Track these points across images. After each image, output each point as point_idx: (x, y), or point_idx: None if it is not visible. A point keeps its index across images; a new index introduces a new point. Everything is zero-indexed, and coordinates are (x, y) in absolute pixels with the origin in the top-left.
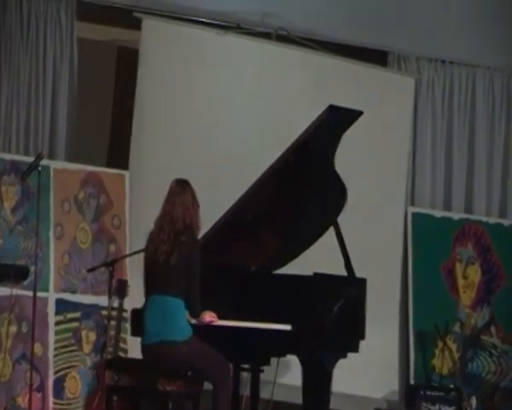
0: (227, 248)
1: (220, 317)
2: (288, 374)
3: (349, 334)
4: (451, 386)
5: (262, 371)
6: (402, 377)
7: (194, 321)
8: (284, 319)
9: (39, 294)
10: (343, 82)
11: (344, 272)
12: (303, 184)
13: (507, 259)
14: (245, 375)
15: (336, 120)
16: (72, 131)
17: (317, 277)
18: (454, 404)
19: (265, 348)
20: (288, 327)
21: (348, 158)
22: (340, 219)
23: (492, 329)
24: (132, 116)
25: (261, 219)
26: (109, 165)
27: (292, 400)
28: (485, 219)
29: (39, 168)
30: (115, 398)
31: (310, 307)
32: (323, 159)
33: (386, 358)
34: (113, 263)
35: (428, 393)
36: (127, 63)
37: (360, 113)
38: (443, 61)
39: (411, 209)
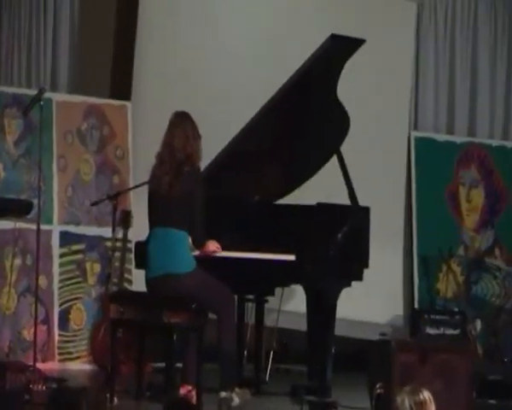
0: (230, 179)
1: (224, 248)
2: (293, 302)
3: (353, 262)
4: (456, 310)
5: (266, 301)
6: (406, 302)
7: (197, 252)
8: (288, 249)
9: (43, 227)
10: (345, 8)
11: (347, 201)
12: (305, 113)
13: (510, 181)
14: (250, 305)
15: (338, 49)
16: (74, 62)
17: (321, 206)
18: (458, 327)
19: (269, 279)
20: (292, 257)
21: (351, 85)
22: (343, 147)
23: (496, 251)
24: (134, 46)
25: (264, 150)
26: (112, 96)
27: (297, 327)
28: (488, 141)
29: (41, 103)
30: (120, 331)
31: (313, 236)
32: (326, 87)
33: (391, 283)
34: (116, 196)
35: (433, 317)
36: None
37: (362, 41)
38: None
39: (414, 134)
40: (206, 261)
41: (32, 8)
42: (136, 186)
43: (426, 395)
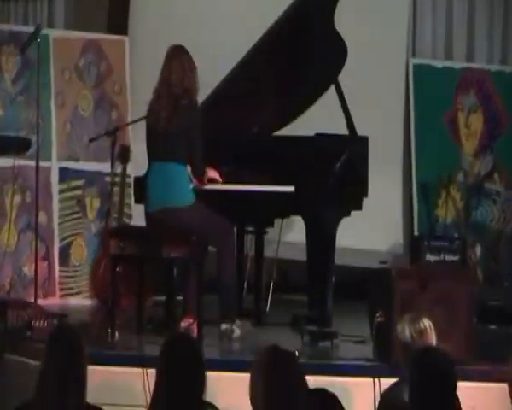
0: (227, 112)
1: (223, 180)
2: (292, 232)
3: (352, 192)
4: (455, 235)
5: (266, 232)
6: (406, 229)
7: (195, 184)
8: (287, 180)
9: (42, 163)
10: None
11: (346, 131)
12: (303, 44)
13: (509, 105)
14: (249, 236)
15: None
16: None
17: (319, 137)
18: (458, 253)
19: (269, 210)
20: (290, 188)
21: (347, 13)
22: (341, 76)
23: (496, 176)
24: None
25: (262, 82)
26: (109, 31)
27: (296, 257)
28: (486, 66)
29: (38, 40)
30: (120, 265)
31: (312, 166)
32: (322, 17)
33: (390, 211)
34: (114, 132)
35: (432, 243)
36: None
37: None
38: None
39: (413, 61)
40: (205, 195)
41: None
42: (134, 121)
43: (426, 322)
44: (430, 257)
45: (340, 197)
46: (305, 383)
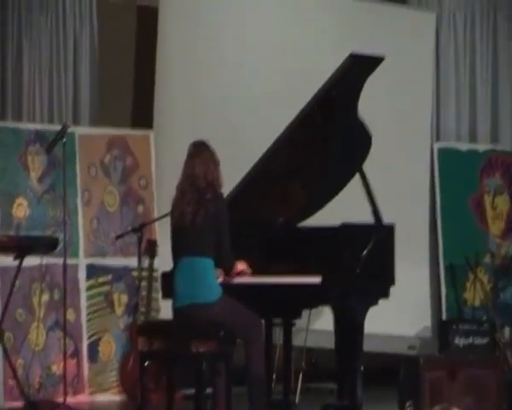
0: (253, 203)
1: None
2: (320, 320)
3: (379, 281)
4: (484, 318)
5: (294, 324)
6: (434, 313)
7: (222, 279)
8: (314, 272)
9: (69, 260)
10: (364, 22)
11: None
12: (328, 134)
13: None
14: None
15: (358, 68)
16: (95, 94)
17: (345, 227)
18: (487, 336)
19: (296, 302)
20: (317, 279)
21: (372, 98)
22: (366, 161)
23: None
24: (155, 75)
25: (286, 172)
26: (134, 125)
27: (325, 345)
28: (511, 148)
29: (64, 140)
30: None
31: (339, 257)
32: (347, 107)
33: (418, 295)
34: (141, 228)
35: (461, 327)
36: (147, 22)
37: (381, 59)
38: None
39: (437, 145)
40: (232, 288)
41: (53, 44)
42: (160, 217)
43: None
44: (459, 341)
45: (367, 287)
46: None
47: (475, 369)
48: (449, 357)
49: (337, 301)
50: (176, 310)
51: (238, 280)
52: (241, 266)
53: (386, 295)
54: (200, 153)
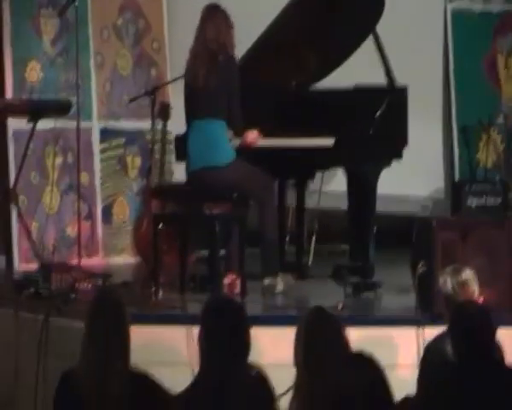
0: (266, 66)
1: (262, 135)
2: (334, 182)
3: (392, 142)
4: (497, 178)
5: (307, 185)
6: (447, 173)
7: (236, 142)
8: (327, 134)
9: (83, 124)
10: None
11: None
12: None
13: None
14: (290, 189)
15: None
16: None
17: (358, 89)
18: (500, 196)
19: (309, 164)
20: (331, 141)
21: None
22: (379, 25)
23: None
24: None
25: (299, 34)
26: None
27: (338, 206)
28: None
29: (76, 3)
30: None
31: (352, 118)
32: None
33: (431, 156)
34: (154, 91)
35: (474, 187)
36: None
37: None
38: None
39: (450, 6)
40: (245, 150)
41: None
42: (173, 80)
43: (468, 273)
44: (472, 201)
45: (381, 148)
46: (347, 345)
47: (487, 230)
48: (461, 218)
49: (350, 163)
50: (189, 173)
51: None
52: (251, 135)
53: (399, 156)
54: (213, 16)
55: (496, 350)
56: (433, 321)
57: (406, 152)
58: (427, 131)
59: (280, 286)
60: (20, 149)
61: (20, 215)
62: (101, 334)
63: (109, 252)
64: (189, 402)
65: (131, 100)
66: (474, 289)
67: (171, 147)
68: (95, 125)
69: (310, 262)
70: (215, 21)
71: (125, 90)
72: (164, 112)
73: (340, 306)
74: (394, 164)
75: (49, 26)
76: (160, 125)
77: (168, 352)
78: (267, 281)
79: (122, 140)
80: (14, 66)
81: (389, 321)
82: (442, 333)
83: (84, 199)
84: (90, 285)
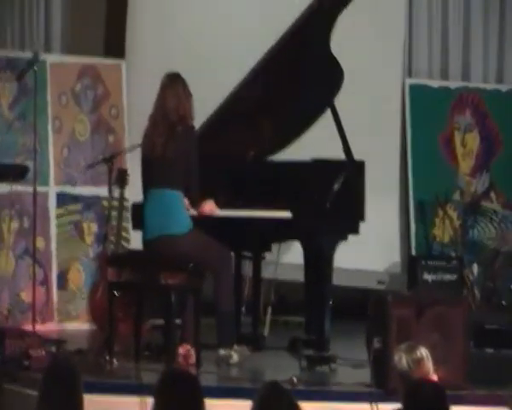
0: (224, 136)
1: (219, 206)
2: (290, 253)
3: (348, 216)
4: (452, 255)
5: (264, 257)
6: (403, 248)
7: (193, 212)
8: (284, 206)
9: (39, 188)
10: None
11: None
12: (299, 68)
13: (505, 125)
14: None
15: (331, 2)
16: (67, 22)
17: (315, 162)
18: (455, 272)
19: (266, 236)
20: (288, 214)
21: (343, 34)
22: (337, 97)
23: (492, 195)
24: (128, 3)
25: (258, 106)
26: (107, 54)
27: (294, 278)
28: (482, 85)
29: (35, 68)
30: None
31: (309, 192)
32: (319, 41)
33: (388, 230)
34: (111, 158)
35: (430, 263)
36: None
37: None
38: None
39: (409, 81)
40: (202, 221)
41: None
42: (131, 148)
43: (423, 351)
44: (427, 277)
45: (337, 222)
46: None
47: (443, 307)
48: (416, 295)
49: (307, 236)
50: (145, 242)
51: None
52: (208, 208)
53: (355, 230)
54: (173, 85)
55: None
56: (388, 397)
57: (363, 226)
58: (384, 206)
59: (235, 357)
60: None
61: None
62: (55, 402)
63: (64, 318)
64: None
65: (89, 166)
66: (429, 367)
67: (128, 214)
68: (51, 190)
69: (266, 334)
70: (175, 90)
71: (82, 156)
72: (121, 179)
73: (294, 380)
74: (351, 237)
75: (7, 89)
76: (117, 192)
77: None
78: (222, 352)
79: (79, 206)
80: None
81: (343, 396)
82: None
83: (40, 264)
84: (43, 352)
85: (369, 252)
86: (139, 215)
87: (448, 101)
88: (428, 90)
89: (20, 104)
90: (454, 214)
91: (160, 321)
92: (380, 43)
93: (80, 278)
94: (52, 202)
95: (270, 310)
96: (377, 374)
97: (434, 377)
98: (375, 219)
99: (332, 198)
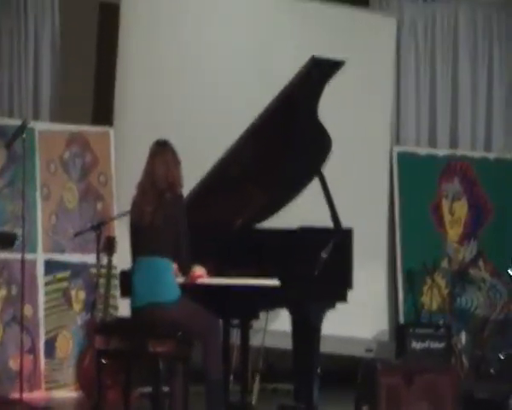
0: (212, 204)
1: (208, 274)
2: (278, 321)
3: (336, 285)
4: (441, 323)
5: (251, 325)
6: (391, 316)
7: (181, 279)
8: (272, 275)
9: (27, 256)
10: (326, 25)
11: (330, 223)
12: (287, 136)
13: (493, 193)
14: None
15: (319, 71)
16: (55, 90)
17: (303, 230)
18: (444, 340)
19: (254, 304)
20: (275, 282)
21: (332, 100)
22: (326, 164)
23: (480, 263)
24: (116, 72)
25: (246, 173)
26: (95, 121)
27: (283, 345)
28: (470, 153)
29: (24, 136)
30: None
31: (296, 261)
32: (307, 110)
33: (376, 298)
34: (99, 226)
35: (418, 331)
36: (109, 19)
37: (342, 63)
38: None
39: (396, 148)
40: (190, 288)
41: (13, 38)
42: (119, 215)
43: None
44: (415, 345)
45: (325, 290)
46: None
47: (432, 375)
48: (405, 363)
49: (294, 305)
50: (134, 310)
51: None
52: (198, 271)
53: (343, 298)
54: (162, 152)
55: None
56: None
57: (351, 293)
58: (372, 274)
59: None
60: None
61: None
62: None
63: (52, 386)
64: None
65: (77, 234)
66: None
67: (116, 282)
68: (39, 258)
69: (254, 402)
70: (164, 158)
71: (70, 223)
72: (109, 246)
73: None
74: (339, 305)
75: None
76: (105, 260)
77: None
78: None
79: (67, 273)
80: None
81: None
82: None
83: (28, 332)
84: None
85: (357, 320)
86: (127, 283)
87: (436, 168)
88: (416, 158)
89: (9, 171)
90: (442, 282)
91: (149, 389)
92: (367, 111)
93: (68, 345)
94: (40, 270)
95: (258, 378)
96: None
97: None
98: (363, 287)
99: (320, 266)
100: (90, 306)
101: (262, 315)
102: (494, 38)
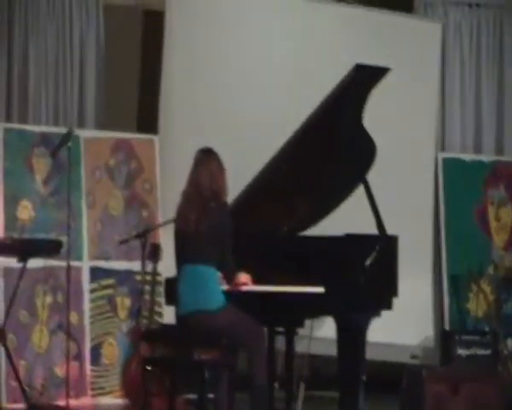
0: (257, 211)
1: (253, 281)
2: (323, 328)
3: (382, 293)
4: (486, 329)
5: (296, 333)
6: (437, 323)
7: (226, 287)
8: (317, 282)
9: (73, 263)
10: (370, 32)
11: (375, 230)
12: (332, 144)
13: None
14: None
15: (363, 78)
16: (100, 97)
17: (349, 237)
18: (490, 347)
19: (299, 312)
20: (321, 289)
21: (377, 107)
22: (371, 171)
23: None
24: (161, 80)
25: (291, 181)
26: (140, 130)
27: (327, 352)
28: None
29: (69, 144)
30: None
31: (342, 268)
32: (352, 118)
33: (421, 304)
34: (145, 233)
35: (463, 337)
36: (154, 26)
37: (387, 69)
38: (469, 5)
39: (441, 155)
40: (235, 296)
41: (59, 47)
42: (164, 223)
43: None
44: (461, 351)
45: (370, 298)
46: None
47: (478, 384)
48: (451, 370)
49: (339, 312)
50: (179, 317)
51: (241, 289)
52: (243, 278)
53: (388, 306)
54: (207, 161)
55: None
56: None
57: (396, 300)
58: (418, 280)
59: None
60: (9, 287)
61: (8, 354)
62: None
63: (97, 393)
64: None
65: (122, 241)
66: None
67: (161, 289)
68: (85, 265)
69: (299, 409)
70: (209, 166)
71: (115, 231)
72: (154, 254)
73: None
74: (384, 311)
75: (42, 165)
76: (150, 267)
77: None
78: None
79: (112, 280)
80: (5, 204)
81: None
82: None
83: (74, 339)
84: None
85: (403, 326)
86: (172, 290)
87: (482, 174)
88: (462, 164)
89: (55, 180)
90: (488, 289)
91: (194, 396)
92: (413, 117)
93: (114, 352)
94: (86, 277)
95: (303, 385)
96: None
97: None
98: (408, 293)
99: (366, 274)
100: (135, 313)
101: (307, 322)
102: None
